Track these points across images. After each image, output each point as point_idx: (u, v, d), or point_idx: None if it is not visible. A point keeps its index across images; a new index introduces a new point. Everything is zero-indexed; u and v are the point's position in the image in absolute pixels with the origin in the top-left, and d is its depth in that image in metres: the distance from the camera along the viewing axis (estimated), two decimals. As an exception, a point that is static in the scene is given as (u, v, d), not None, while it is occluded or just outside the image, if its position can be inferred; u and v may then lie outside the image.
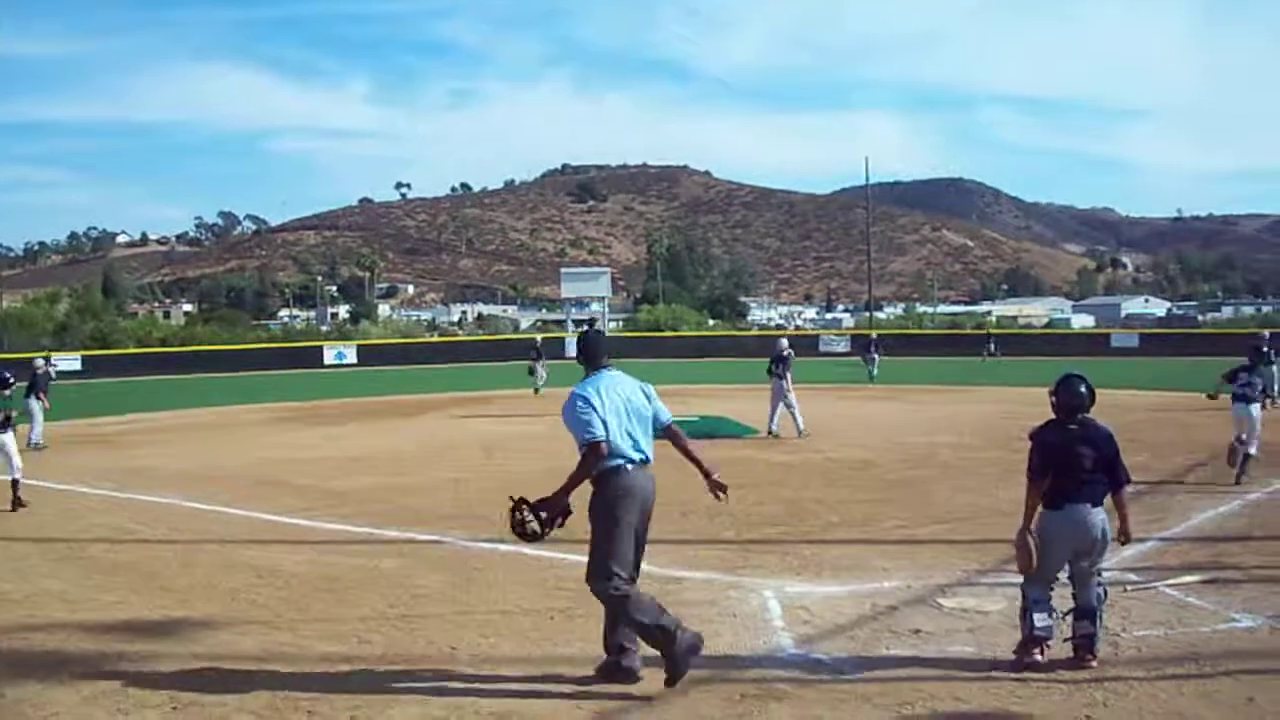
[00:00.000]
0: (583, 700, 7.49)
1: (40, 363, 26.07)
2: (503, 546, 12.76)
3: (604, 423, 7.91)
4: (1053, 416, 8.38)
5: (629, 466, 7.91)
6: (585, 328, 10.19)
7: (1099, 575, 8.24)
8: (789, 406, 23.97)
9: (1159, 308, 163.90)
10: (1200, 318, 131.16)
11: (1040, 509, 8.22)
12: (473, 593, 10.69)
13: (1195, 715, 7.01)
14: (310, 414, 33.36)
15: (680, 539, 13.13)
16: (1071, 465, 8.11)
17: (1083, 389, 8.32)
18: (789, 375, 24.19)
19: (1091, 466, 8.12)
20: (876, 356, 45.60)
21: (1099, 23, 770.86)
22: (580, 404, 8.03)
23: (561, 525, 8.14)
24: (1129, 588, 9.85)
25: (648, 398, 8.18)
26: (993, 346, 64.00)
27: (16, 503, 15.77)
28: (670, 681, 7.52)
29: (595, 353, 8.33)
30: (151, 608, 10.33)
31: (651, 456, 7.98)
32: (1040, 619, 8.01)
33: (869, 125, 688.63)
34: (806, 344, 70.57)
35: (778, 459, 20.13)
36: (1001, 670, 7.92)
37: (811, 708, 7.28)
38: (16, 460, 16.20)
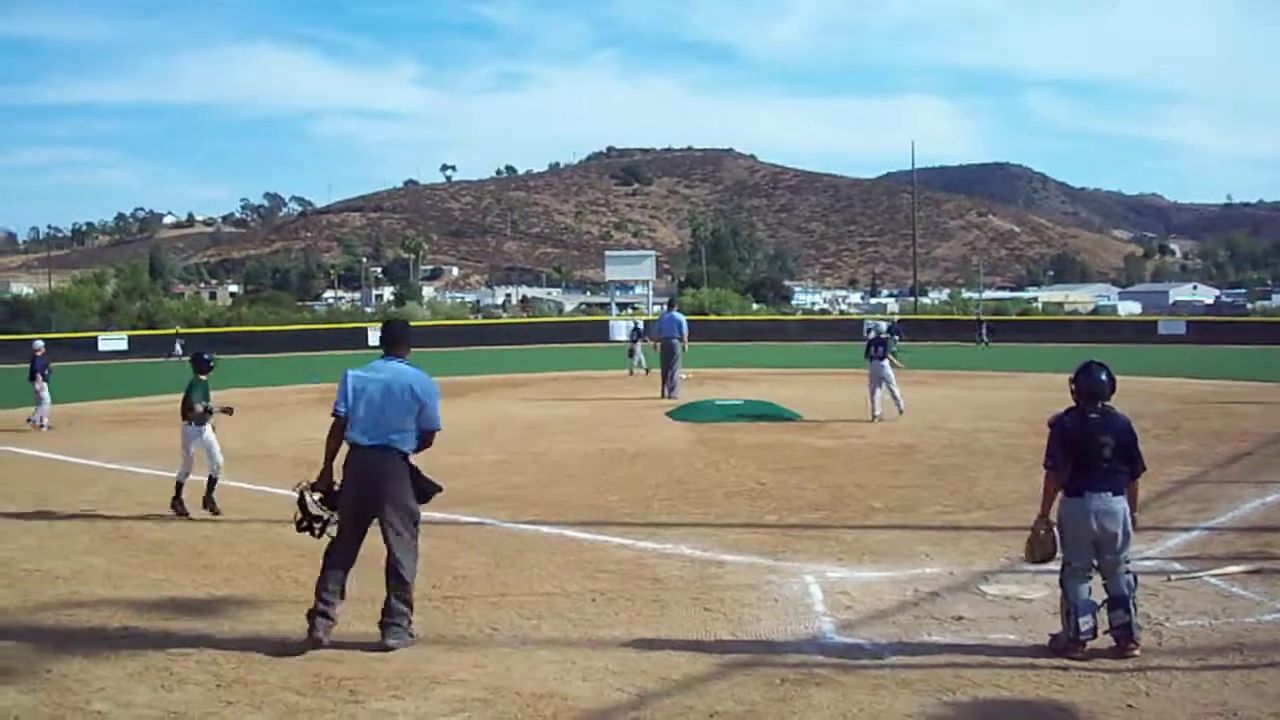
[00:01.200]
0: (623, 683, 7.50)
1: (39, 345, 26.23)
2: (544, 529, 12.80)
3: (348, 402, 8.61)
4: (1072, 404, 8.36)
5: (358, 449, 8.50)
6: (388, 318, 10.56)
7: (1127, 562, 8.20)
8: (889, 385, 24.24)
9: (1207, 295, 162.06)
10: (1249, 305, 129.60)
11: (1060, 496, 8.21)
12: (513, 574, 10.71)
13: (1239, 706, 6.94)
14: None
15: (722, 522, 13.14)
16: (1092, 453, 8.09)
17: (1104, 376, 8.30)
18: (888, 356, 24.58)
19: (1111, 455, 8.10)
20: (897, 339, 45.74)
21: (1148, 3, 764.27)
22: (340, 381, 8.82)
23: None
24: (1173, 577, 9.77)
25: (416, 396, 8.55)
26: (984, 332, 63.70)
27: (209, 503, 14.24)
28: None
29: (390, 341, 9.05)
30: (195, 586, 10.42)
31: (392, 444, 8.45)
32: (1085, 622, 7.96)
33: (915, 109, 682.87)
34: (850, 327, 70.43)
35: (820, 444, 20.07)
36: (1044, 657, 7.89)
37: (852, 693, 7.26)
38: (218, 456, 14.62)
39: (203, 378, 14.69)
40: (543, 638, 8.63)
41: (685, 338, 30.25)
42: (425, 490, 8.62)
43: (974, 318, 74.05)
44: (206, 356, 15.00)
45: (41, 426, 24.18)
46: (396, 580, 8.39)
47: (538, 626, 8.93)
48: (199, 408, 14.31)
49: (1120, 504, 8.11)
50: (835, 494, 15.03)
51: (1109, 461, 8.09)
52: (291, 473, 17.41)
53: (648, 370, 35.02)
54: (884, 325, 25.05)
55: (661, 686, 7.44)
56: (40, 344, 26.52)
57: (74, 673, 7.61)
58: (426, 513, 13.87)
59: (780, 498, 14.69)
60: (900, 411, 23.88)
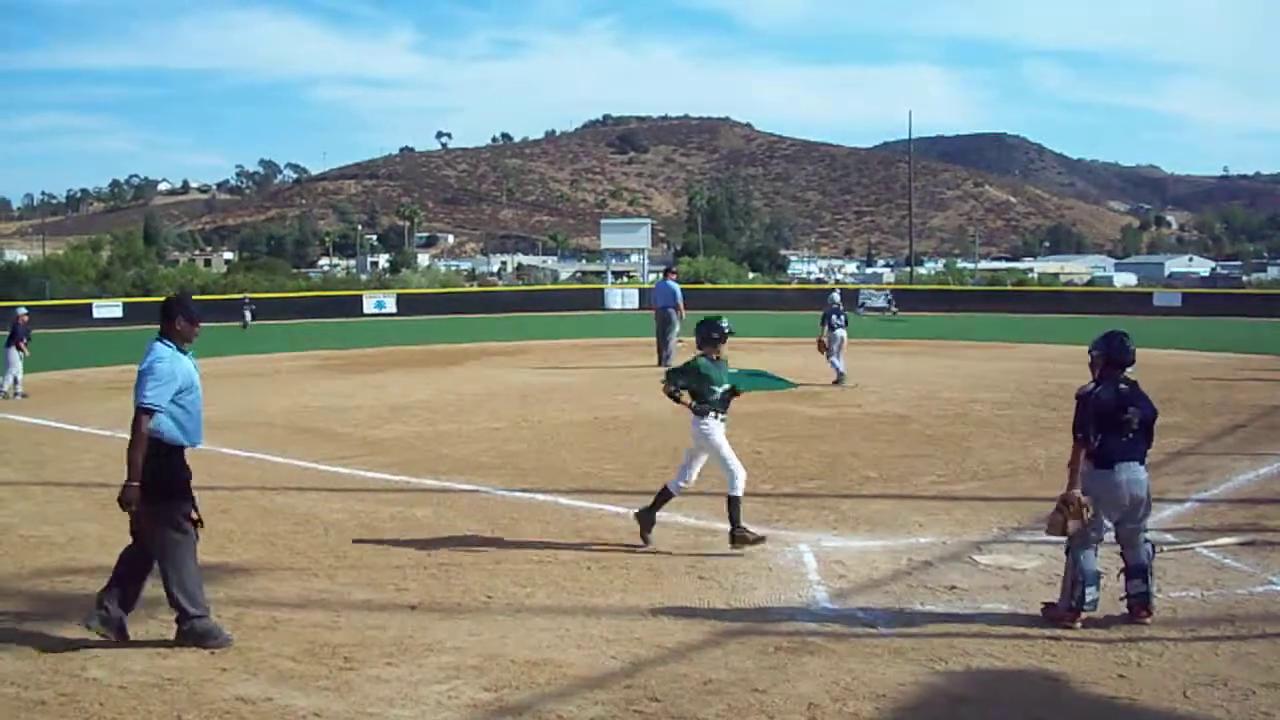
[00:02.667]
0: (617, 650, 7.53)
1: (22, 312, 26.03)
2: (539, 496, 12.83)
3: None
4: (1093, 376, 8.35)
5: None
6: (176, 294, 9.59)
7: (1146, 531, 8.30)
8: (838, 353, 25.06)
9: (1203, 267, 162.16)
10: (1245, 278, 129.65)
11: (1089, 469, 8.16)
12: (508, 542, 10.73)
13: (1230, 677, 6.97)
14: (350, 362, 33.47)
15: (717, 491, 13.13)
16: (1122, 425, 8.11)
17: (1131, 345, 8.31)
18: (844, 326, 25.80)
19: (1139, 426, 8.15)
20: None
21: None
22: None
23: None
24: (1166, 548, 9.80)
25: (138, 375, 7.80)
26: (882, 302, 64.44)
27: None
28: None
29: (161, 318, 8.14)
30: (191, 552, 10.42)
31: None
32: (1092, 593, 8.01)
33: (912, 78, 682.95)
34: (847, 296, 70.51)
35: (816, 413, 20.09)
36: (1037, 627, 7.92)
37: (845, 661, 7.29)
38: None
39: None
40: (537, 605, 8.65)
41: (681, 306, 30.18)
42: (159, 488, 7.63)
43: (885, 288, 75.08)
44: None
45: (15, 395, 24.08)
46: (165, 588, 7.66)
47: (532, 594, 8.95)
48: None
49: (1145, 473, 8.22)
50: (830, 463, 15.06)
51: (1135, 433, 8.15)
52: (287, 440, 17.48)
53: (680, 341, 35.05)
54: (837, 296, 25.94)
55: (655, 654, 7.47)
56: (23, 311, 26.33)
57: (70, 639, 7.62)
58: (420, 480, 13.96)
59: (775, 466, 14.70)
60: (837, 380, 24.27)
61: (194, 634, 7.59)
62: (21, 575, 9.71)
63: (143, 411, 7.56)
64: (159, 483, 7.58)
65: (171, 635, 7.79)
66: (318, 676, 7.10)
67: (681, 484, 10.67)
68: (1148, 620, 8.01)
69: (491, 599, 8.81)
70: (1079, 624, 7.98)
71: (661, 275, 33.73)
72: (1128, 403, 8.16)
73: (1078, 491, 8.04)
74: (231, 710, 6.56)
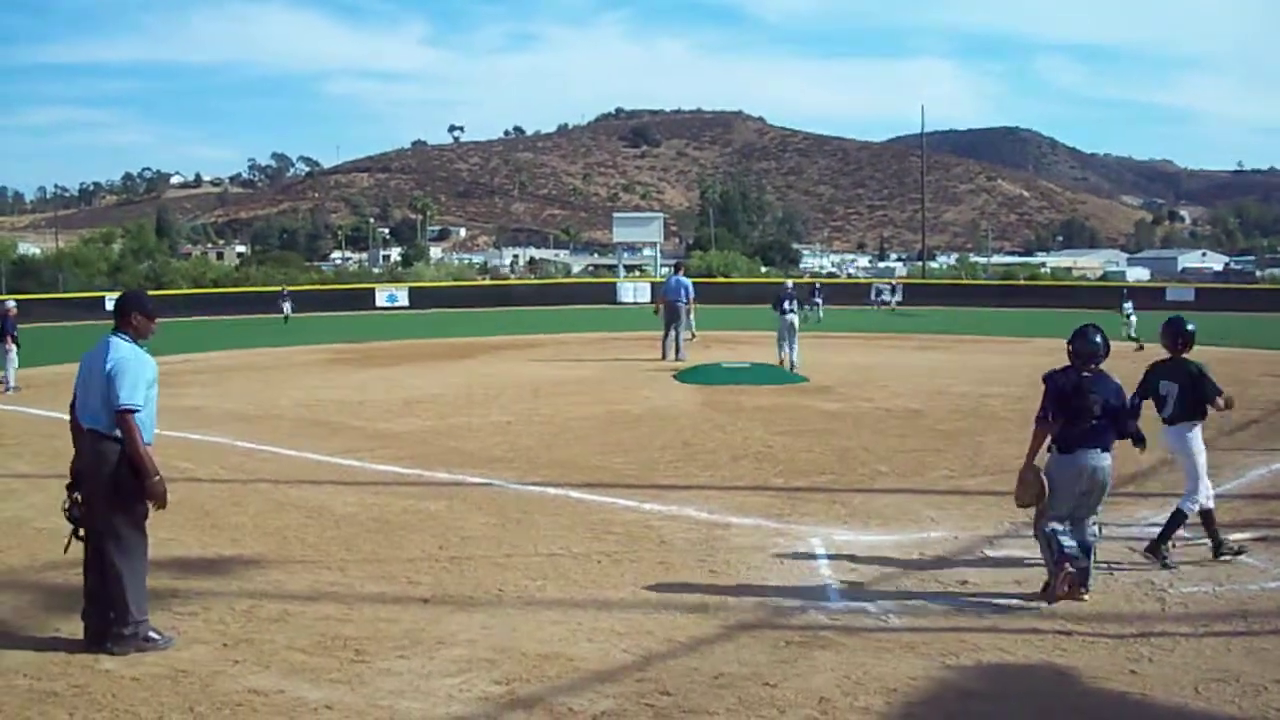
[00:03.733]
0: (629, 644, 7.54)
1: (11, 305, 26.03)
2: (550, 490, 12.83)
3: (77, 383, 7.86)
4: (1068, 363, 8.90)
5: (83, 433, 7.68)
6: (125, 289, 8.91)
7: (1097, 514, 8.74)
8: (793, 341, 27.15)
9: (1216, 262, 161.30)
10: (1258, 273, 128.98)
11: (1053, 452, 8.64)
12: (520, 535, 10.74)
13: (1242, 672, 6.96)
14: (362, 356, 33.52)
15: (728, 485, 13.16)
16: (1082, 411, 8.54)
17: (1098, 339, 8.82)
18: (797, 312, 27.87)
19: (1101, 413, 8.55)
20: (819, 302, 49.27)
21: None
22: None
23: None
24: (1177, 544, 9.77)
25: (107, 373, 7.52)
26: (887, 295, 64.96)
27: None
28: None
29: (114, 314, 7.96)
30: (202, 545, 10.46)
31: (98, 427, 7.54)
32: (1066, 540, 8.43)
33: (925, 72, 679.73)
34: (859, 292, 70.64)
35: (827, 407, 20.07)
36: (1047, 620, 7.92)
37: (856, 656, 7.29)
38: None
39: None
40: (548, 599, 8.66)
41: (692, 301, 30.27)
42: (128, 489, 7.51)
43: (888, 282, 74.73)
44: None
45: (8, 389, 24.11)
46: (115, 590, 7.43)
47: (543, 588, 8.96)
48: None
49: (1106, 459, 8.59)
50: (841, 457, 15.05)
51: (1098, 419, 8.55)
52: (299, 432, 17.52)
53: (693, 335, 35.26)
54: (789, 284, 27.83)
55: (667, 648, 7.47)
56: (12, 304, 26.27)
57: (81, 632, 7.63)
58: (432, 473, 13.97)
59: (786, 460, 14.71)
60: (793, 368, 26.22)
61: (136, 639, 7.43)
62: (34, 568, 9.73)
63: (127, 413, 7.45)
64: (130, 483, 7.47)
65: (183, 626, 7.81)
66: (329, 669, 7.11)
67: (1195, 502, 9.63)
68: (1085, 597, 8.39)
69: (503, 592, 8.82)
70: (1084, 594, 8.42)
71: (672, 270, 33.90)
72: (1087, 388, 8.56)
73: (1034, 470, 8.59)
74: (244, 702, 6.58)
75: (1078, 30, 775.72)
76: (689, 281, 31.11)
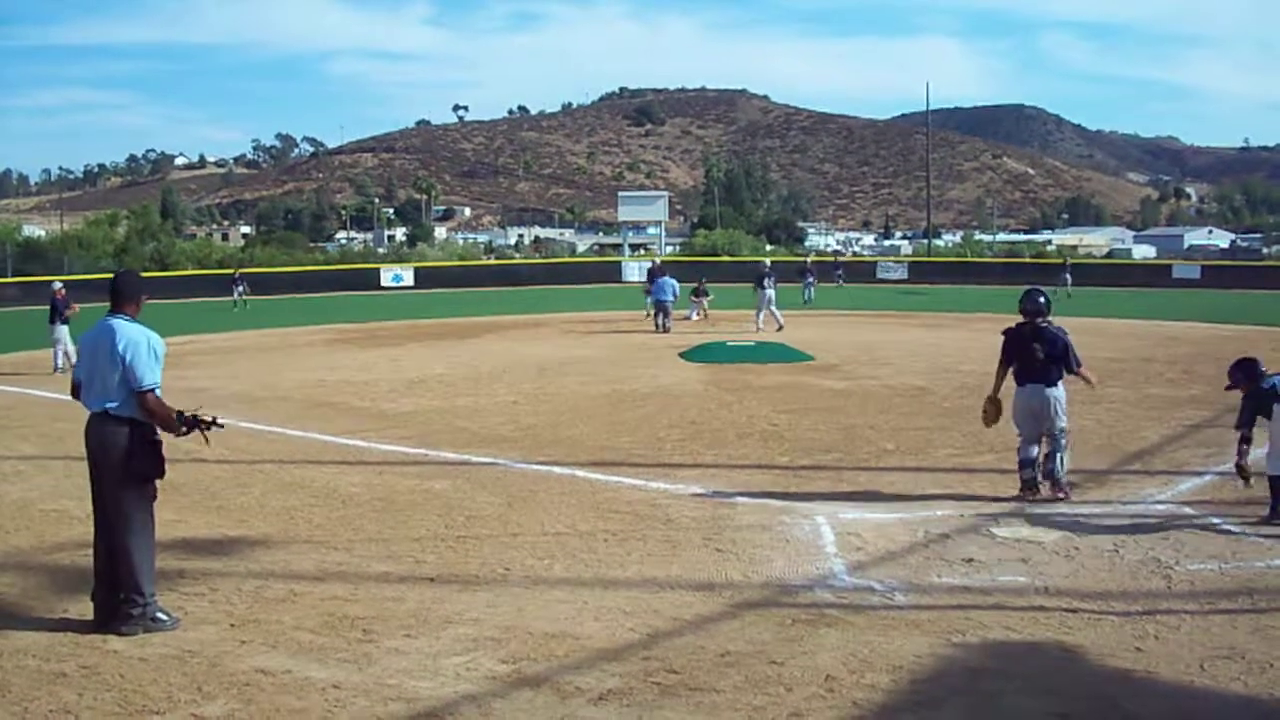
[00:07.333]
0: (635, 623, 7.55)
1: (58, 286, 26.11)
2: (557, 469, 12.85)
3: (77, 367, 7.97)
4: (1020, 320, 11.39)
5: (90, 416, 7.68)
6: (120, 269, 8.84)
7: (1059, 430, 11.10)
8: (771, 306, 32.36)
9: (1222, 239, 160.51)
10: (1265, 250, 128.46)
11: (1015, 388, 11.34)
12: (526, 514, 10.76)
13: (1247, 650, 6.96)
14: (367, 336, 33.53)
15: (734, 463, 13.17)
16: (1027, 355, 11.22)
17: (1040, 299, 11.46)
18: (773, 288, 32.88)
19: (1044, 357, 11.12)
20: (813, 281, 49.35)
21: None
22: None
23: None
24: (1183, 522, 9.75)
25: (119, 353, 7.48)
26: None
27: None
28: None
29: (111, 295, 7.89)
30: (208, 526, 10.48)
31: (110, 410, 7.51)
32: (1026, 473, 11.10)
33: (930, 50, 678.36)
34: (865, 270, 70.52)
35: (833, 385, 20.06)
36: (1053, 599, 7.92)
37: (862, 634, 7.30)
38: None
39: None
40: (555, 578, 8.67)
41: (676, 299, 34.88)
42: (140, 470, 7.52)
43: (834, 259, 72.21)
44: None
45: (56, 369, 24.04)
46: (124, 570, 7.43)
47: (550, 566, 8.98)
48: None
49: (1050, 392, 11.11)
50: (847, 435, 15.05)
51: (1041, 362, 11.14)
52: (304, 413, 17.53)
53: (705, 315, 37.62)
54: (767, 263, 36.74)
55: (673, 626, 7.48)
56: (59, 285, 26.45)
57: (90, 613, 7.64)
58: (438, 453, 13.99)
59: (792, 439, 14.71)
60: (779, 328, 30.55)
61: (144, 619, 7.44)
62: (42, 549, 9.76)
63: (149, 394, 7.49)
64: (140, 464, 7.50)
65: (190, 606, 7.84)
66: (336, 648, 7.13)
67: None
68: (1061, 496, 10.93)
69: (509, 571, 8.84)
70: (1031, 496, 10.98)
71: (658, 272, 36.09)
72: (1030, 339, 11.19)
73: (995, 400, 11.76)
74: (251, 682, 6.59)
75: (1084, 7, 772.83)
76: (675, 282, 35.34)
